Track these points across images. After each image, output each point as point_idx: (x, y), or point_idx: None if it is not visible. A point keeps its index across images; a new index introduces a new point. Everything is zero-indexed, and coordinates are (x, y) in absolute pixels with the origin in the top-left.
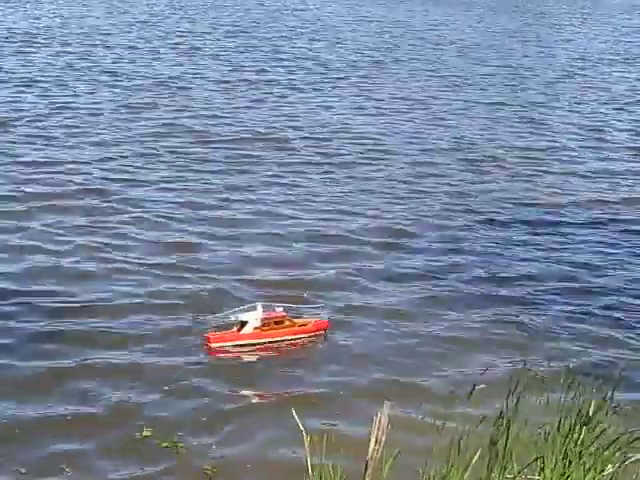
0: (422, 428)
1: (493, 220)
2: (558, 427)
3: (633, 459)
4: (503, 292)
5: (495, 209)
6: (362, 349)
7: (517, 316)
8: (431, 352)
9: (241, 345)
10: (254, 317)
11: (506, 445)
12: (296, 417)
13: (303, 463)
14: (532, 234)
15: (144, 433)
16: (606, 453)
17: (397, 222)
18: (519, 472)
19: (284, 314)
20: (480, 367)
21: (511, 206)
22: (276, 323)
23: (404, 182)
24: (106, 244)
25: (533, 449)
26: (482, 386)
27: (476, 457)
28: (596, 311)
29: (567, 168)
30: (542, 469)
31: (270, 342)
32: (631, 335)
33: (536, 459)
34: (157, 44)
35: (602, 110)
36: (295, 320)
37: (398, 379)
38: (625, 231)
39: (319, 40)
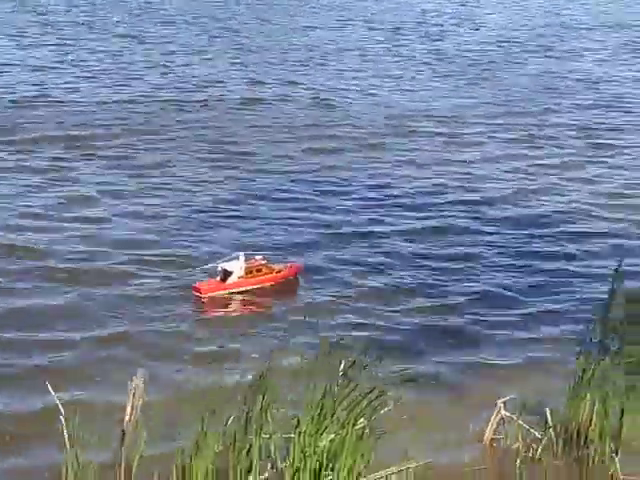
0: (181, 394)
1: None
2: (314, 386)
3: (382, 412)
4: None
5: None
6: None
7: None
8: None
9: (229, 293)
10: (238, 267)
11: (262, 407)
12: (50, 389)
13: None
14: None
15: None
16: (358, 408)
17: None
18: (275, 432)
19: (264, 262)
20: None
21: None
22: (257, 271)
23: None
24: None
25: (290, 409)
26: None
27: (230, 420)
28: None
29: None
30: (297, 426)
31: (254, 289)
32: (391, 300)
33: (292, 418)
34: None
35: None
36: (273, 266)
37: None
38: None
39: None
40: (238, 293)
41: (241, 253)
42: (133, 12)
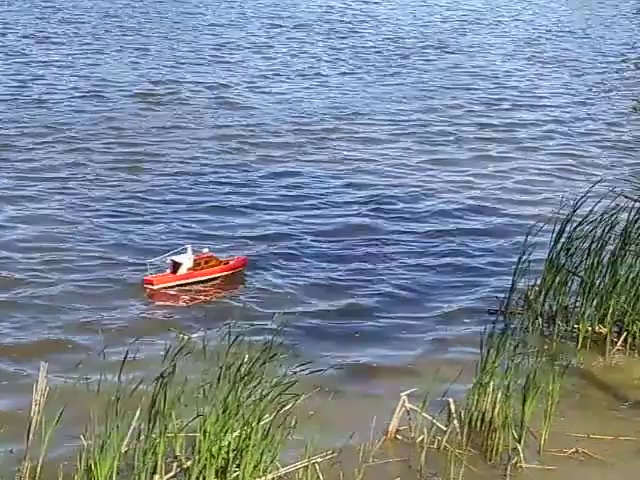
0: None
1: None
2: (218, 383)
3: (288, 407)
4: None
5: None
6: None
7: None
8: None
9: (180, 285)
10: (187, 258)
11: (165, 405)
12: None
13: None
14: None
15: None
16: (263, 403)
17: None
18: (180, 430)
19: (211, 254)
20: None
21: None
22: (205, 263)
23: None
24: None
25: (195, 407)
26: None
27: (135, 418)
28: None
29: None
30: (202, 426)
31: (204, 280)
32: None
33: (196, 417)
34: None
35: None
36: (220, 259)
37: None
38: None
39: None
40: (188, 285)
41: (188, 245)
42: (35, 11)
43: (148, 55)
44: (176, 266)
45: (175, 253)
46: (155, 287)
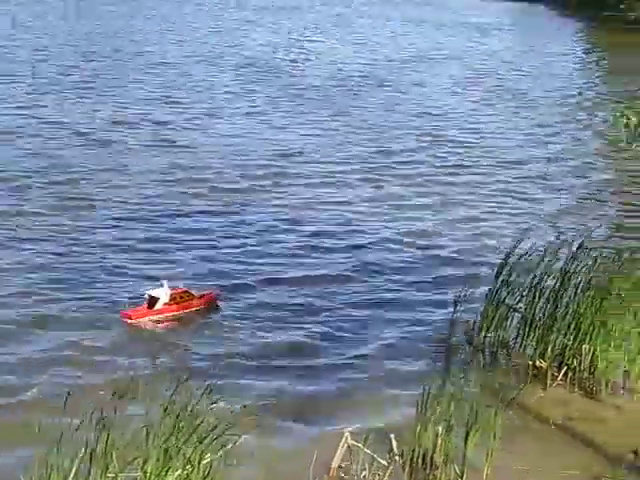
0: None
1: None
2: (160, 424)
3: (229, 446)
4: None
5: None
6: None
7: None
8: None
9: (156, 320)
10: (164, 293)
11: (106, 447)
12: None
13: None
14: None
15: None
16: (205, 443)
17: None
18: (120, 471)
19: (185, 289)
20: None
21: None
22: (180, 297)
23: None
24: None
25: (135, 448)
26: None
27: (77, 461)
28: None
29: None
30: (143, 466)
31: (179, 314)
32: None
33: (135, 459)
34: None
35: None
36: (194, 293)
37: None
38: None
39: None
40: (164, 319)
41: (164, 280)
42: None
43: (92, 95)
44: (153, 300)
45: (152, 288)
46: (133, 320)
